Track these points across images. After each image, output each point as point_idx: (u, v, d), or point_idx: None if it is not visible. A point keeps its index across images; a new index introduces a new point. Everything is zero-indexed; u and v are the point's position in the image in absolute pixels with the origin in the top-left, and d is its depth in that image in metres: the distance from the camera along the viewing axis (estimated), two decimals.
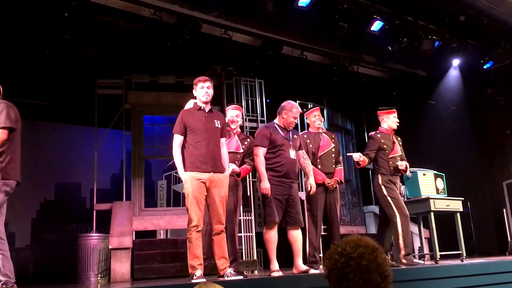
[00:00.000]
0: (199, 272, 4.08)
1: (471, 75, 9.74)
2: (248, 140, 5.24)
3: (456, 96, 10.06)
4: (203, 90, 4.40)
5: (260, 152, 4.70)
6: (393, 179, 5.58)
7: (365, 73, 9.85)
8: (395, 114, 5.79)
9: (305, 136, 5.45)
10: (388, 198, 5.46)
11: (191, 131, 4.31)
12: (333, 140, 5.51)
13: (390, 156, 5.61)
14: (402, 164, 5.53)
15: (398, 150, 5.69)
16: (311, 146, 5.36)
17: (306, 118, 5.71)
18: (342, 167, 5.60)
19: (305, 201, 5.37)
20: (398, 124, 5.76)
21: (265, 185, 4.58)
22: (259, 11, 7.04)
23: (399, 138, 5.82)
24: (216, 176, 4.31)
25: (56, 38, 7.09)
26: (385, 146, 5.63)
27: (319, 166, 5.31)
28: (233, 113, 5.19)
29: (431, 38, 8.26)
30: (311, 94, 9.87)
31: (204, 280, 3.99)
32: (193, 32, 7.44)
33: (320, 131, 5.54)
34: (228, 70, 8.88)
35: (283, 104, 4.96)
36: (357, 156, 5.53)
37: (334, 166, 5.43)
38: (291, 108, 4.87)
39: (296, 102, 5.10)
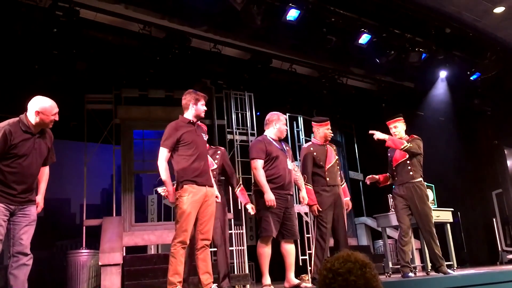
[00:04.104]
0: None
1: (458, 86, 9.84)
2: (219, 152, 5.17)
3: (444, 107, 10.15)
4: (203, 107, 4.42)
5: (259, 165, 4.67)
6: (399, 190, 5.46)
7: (354, 85, 9.92)
8: (393, 124, 5.63)
9: (311, 148, 5.32)
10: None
11: (185, 144, 4.22)
12: (335, 153, 5.45)
13: (393, 167, 5.57)
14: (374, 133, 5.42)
15: (402, 156, 5.47)
16: (318, 158, 5.23)
17: (317, 129, 5.47)
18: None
19: (305, 216, 5.30)
20: (395, 132, 5.58)
21: (270, 197, 4.53)
22: (248, 25, 7.09)
23: (411, 143, 5.46)
24: (209, 190, 4.28)
25: (45, 53, 7.08)
26: (389, 156, 5.65)
27: (328, 179, 5.19)
28: None
29: (418, 50, 8.35)
30: (301, 106, 9.93)
31: None
32: (183, 46, 7.46)
33: (326, 143, 5.43)
34: (218, 84, 8.91)
35: (268, 116, 4.99)
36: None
37: (339, 178, 5.35)
38: (279, 117, 4.95)
39: (286, 114, 5.13)
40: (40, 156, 3.86)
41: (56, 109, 3.85)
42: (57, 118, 3.86)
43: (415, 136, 5.62)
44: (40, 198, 3.96)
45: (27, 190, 3.76)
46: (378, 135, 5.42)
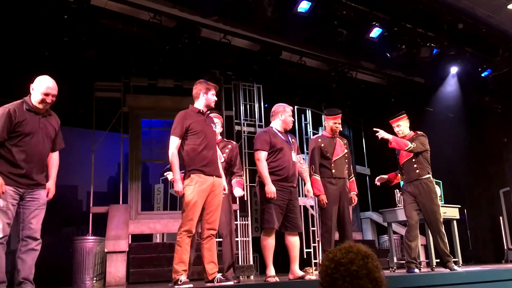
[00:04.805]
0: (184, 277, 4.04)
1: (469, 83, 9.76)
2: (230, 146, 5.11)
3: (454, 104, 10.08)
4: (214, 97, 4.42)
5: (262, 156, 4.67)
6: (407, 187, 5.47)
7: (364, 79, 9.87)
8: (396, 123, 5.64)
9: (319, 140, 5.33)
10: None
11: (194, 133, 4.23)
12: (345, 146, 5.41)
13: (400, 164, 5.58)
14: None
15: (407, 154, 5.46)
16: (325, 150, 5.23)
17: (325, 121, 5.51)
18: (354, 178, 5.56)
19: (310, 209, 5.29)
20: (399, 131, 5.59)
21: (271, 189, 4.53)
22: (258, 16, 7.05)
23: (415, 141, 5.44)
24: (216, 180, 4.29)
25: (55, 40, 7.08)
26: (396, 154, 5.63)
27: (333, 171, 5.18)
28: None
29: (430, 45, 8.29)
30: (309, 99, 9.88)
31: (191, 285, 3.98)
32: (193, 36, 7.45)
33: (335, 135, 5.40)
34: (227, 75, 8.89)
35: (274, 108, 4.99)
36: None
37: (346, 172, 5.33)
38: (285, 108, 4.94)
39: (294, 107, 5.10)
40: (47, 136, 3.88)
41: (49, 90, 3.85)
42: (48, 99, 3.84)
43: (419, 132, 5.59)
44: (51, 184, 3.97)
45: (35, 170, 3.77)
46: (382, 134, 5.39)
